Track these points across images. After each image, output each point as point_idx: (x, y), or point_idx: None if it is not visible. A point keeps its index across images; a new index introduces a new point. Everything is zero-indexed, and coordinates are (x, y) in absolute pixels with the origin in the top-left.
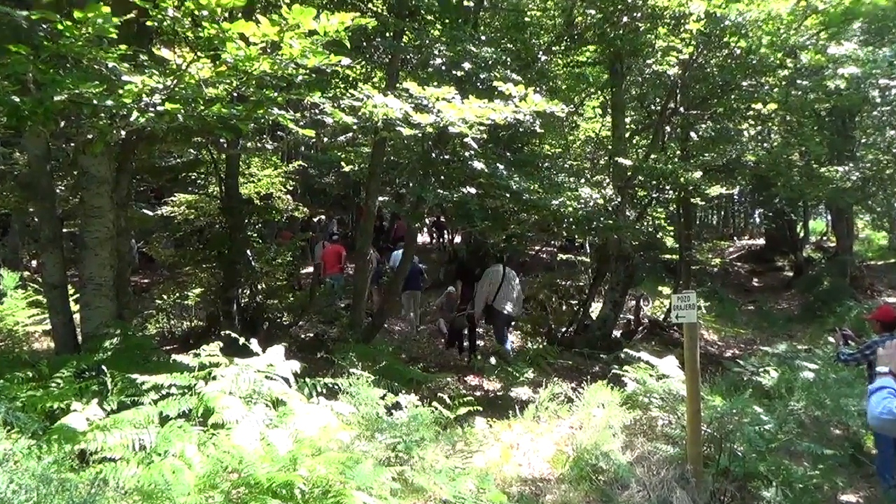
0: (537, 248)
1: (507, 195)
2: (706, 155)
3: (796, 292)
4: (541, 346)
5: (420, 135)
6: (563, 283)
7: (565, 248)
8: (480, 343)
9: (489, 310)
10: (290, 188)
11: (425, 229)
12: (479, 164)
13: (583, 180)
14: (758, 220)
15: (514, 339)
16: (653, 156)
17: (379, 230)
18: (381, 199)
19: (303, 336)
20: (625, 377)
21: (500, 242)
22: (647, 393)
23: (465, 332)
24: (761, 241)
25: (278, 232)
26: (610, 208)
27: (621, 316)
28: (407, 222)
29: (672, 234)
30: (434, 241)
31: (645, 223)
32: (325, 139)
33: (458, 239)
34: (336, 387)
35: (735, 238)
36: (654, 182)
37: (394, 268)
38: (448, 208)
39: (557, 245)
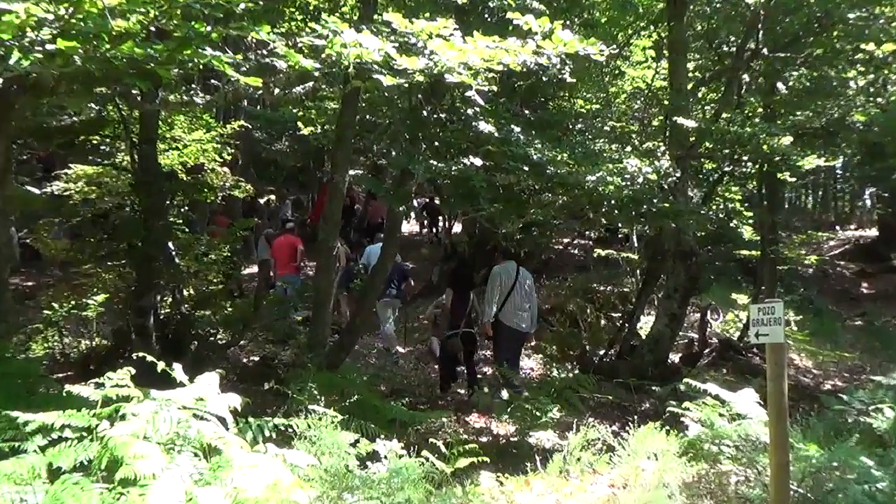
0: (566, 241)
1: (525, 168)
2: (798, 114)
3: None
4: (571, 374)
5: (406, 85)
6: (602, 288)
7: (605, 242)
8: (486, 370)
9: (496, 324)
10: (229, 158)
11: (413, 215)
12: (486, 126)
13: (629, 148)
14: (868, 203)
15: (531, 366)
16: (725, 115)
17: (349, 215)
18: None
19: (245, 360)
20: (685, 417)
21: (515, 233)
22: (715, 439)
23: (462, 357)
24: (873, 232)
25: (212, 217)
26: (666, 186)
27: (681, 334)
28: (388, 205)
29: (751, 222)
30: (425, 230)
31: (714, 207)
32: (277, 91)
33: (457, 228)
34: (290, 429)
35: (838, 227)
36: (727, 151)
37: (369, 266)
38: (444, 186)
39: (594, 237)
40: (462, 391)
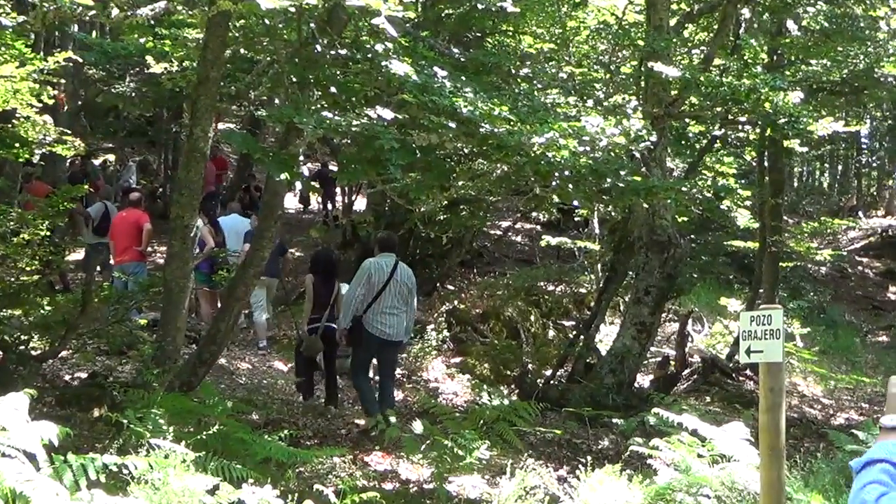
0: (505, 224)
1: (452, 125)
2: (813, 63)
3: None
4: (507, 401)
5: (294, 10)
6: (551, 288)
7: (556, 227)
8: (398, 393)
9: (355, 328)
10: (51, 102)
11: (299, 186)
12: (401, 68)
13: (591, 103)
14: None
15: (454, 389)
16: (717, 62)
17: (215, 184)
18: (219, 127)
19: (68, 377)
20: (654, 459)
21: (437, 212)
22: (692, 488)
23: (322, 361)
24: None
25: (26, 184)
26: (638, 154)
27: (652, 350)
28: (267, 172)
29: (748, 204)
30: (316, 206)
31: (700, 183)
32: (117, 12)
33: (360, 204)
34: (125, 471)
35: (861, 214)
36: (719, 109)
37: (238, 252)
38: (343, 148)
39: (541, 220)
40: (361, 421)
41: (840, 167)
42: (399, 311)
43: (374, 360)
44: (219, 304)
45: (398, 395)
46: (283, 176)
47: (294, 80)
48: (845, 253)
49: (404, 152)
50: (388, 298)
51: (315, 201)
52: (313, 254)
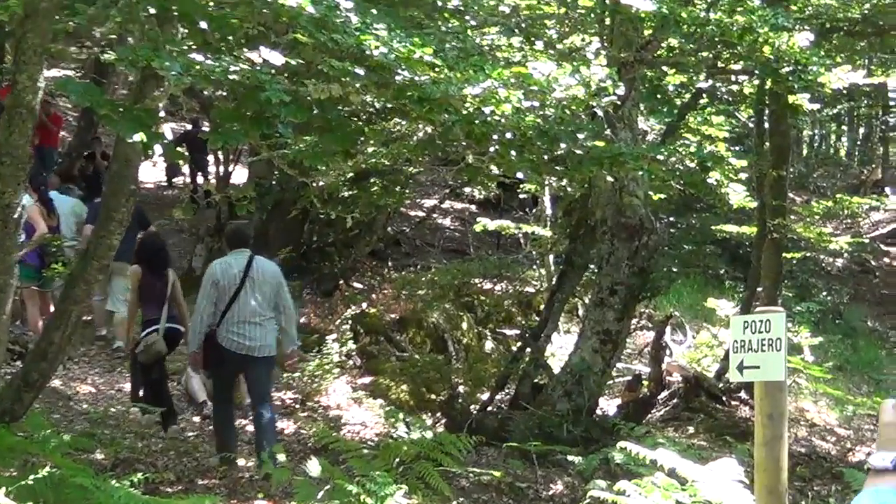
0: (430, 204)
1: (359, 72)
2: None
3: None
4: (432, 433)
5: None
6: (490, 286)
7: (495, 207)
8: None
9: (211, 344)
10: None
11: (158, 151)
12: None
13: (540, 44)
14: None
15: (362, 419)
16: None
17: (42, 149)
18: (51, 74)
19: None
20: None
21: (340, 188)
22: None
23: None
24: None
25: None
26: (601, 111)
27: (620, 366)
28: (116, 133)
29: (744, 177)
30: (182, 179)
31: (682, 149)
32: None
33: (239, 176)
34: None
35: (887, 190)
36: (705, 54)
37: (78, 240)
38: (217, 102)
39: (476, 198)
40: (241, 461)
41: (861, 130)
42: (263, 317)
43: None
44: (51, 309)
45: (288, 425)
46: (138, 138)
47: (152, 12)
48: (868, 240)
49: (297, 108)
50: (245, 304)
51: (184, 173)
52: (138, 240)
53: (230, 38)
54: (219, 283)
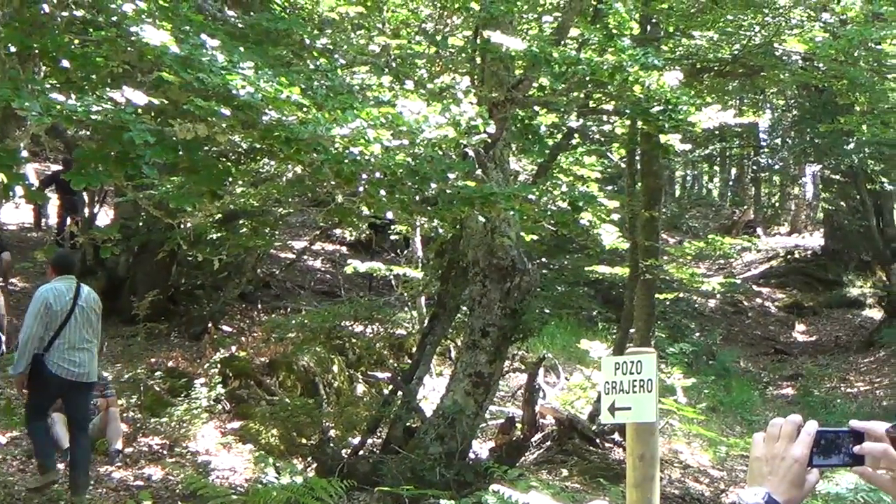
0: (300, 246)
1: (226, 112)
2: (696, 35)
3: (889, 355)
4: (302, 478)
5: None
6: (360, 328)
7: (366, 248)
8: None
9: (37, 368)
10: None
11: (16, 194)
12: (157, 36)
13: (410, 84)
14: (810, 191)
15: (231, 464)
16: (574, 32)
17: None
18: None
19: None
20: None
21: (208, 230)
22: None
23: None
24: (816, 240)
25: None
26: (471, 150)
27: (493, 409)
28: None
29: (616, 217)
30: (47, 221)
31: (553, 189)
32: None
33: (105, 217)
34: None
35: (760, 231)
36: (576, 94)
37: None
38: (80, 142)
39: (347, 240)
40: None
41: (734, 171)
42: (89, 344)
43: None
44: None
45: (156, 471)
46: None
47: (12, 49)
48: (739, 281)
49: (162, 148)
50: (74, 331)
51: (55, 215)
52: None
53: (93, 76)
54: (51, 307)
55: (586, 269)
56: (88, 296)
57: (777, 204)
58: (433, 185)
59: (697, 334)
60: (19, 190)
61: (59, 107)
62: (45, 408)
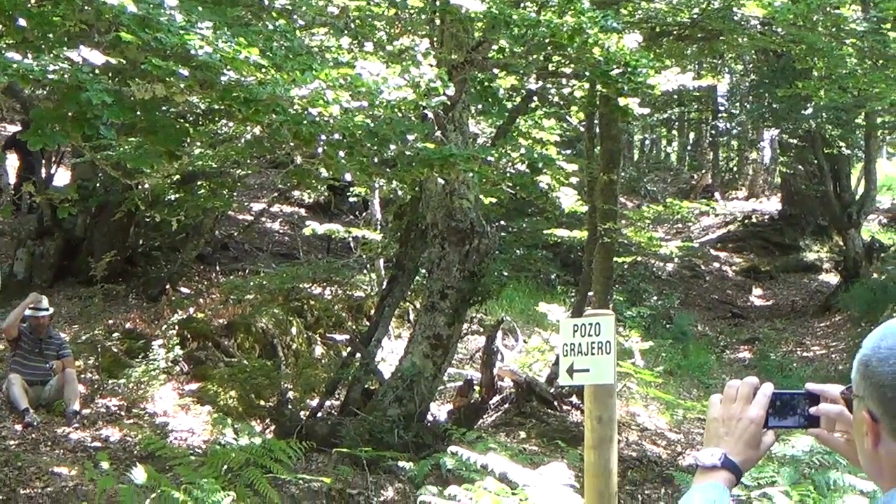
0: (258, 207)
1: (183, 73)
2: None
3: (845, 319)
4: (260, 439)
5: None
6: (319, 290)
7: (324, 211)
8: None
9: None
10: None
11: None
12: None
13: (369, 45)
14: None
15: (189, 425)
16: None
17: None
18: None
19: None
20: None
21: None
22: None
23: None
24: (773, 205)
25: None
26: (430, 112)
27: (452, 371)
28: None
29: (575, 181)
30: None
31: (513, 153)
32: None
33: (62, 178)
34: None
35: (717, 196)
36: (535, 56)
37: None
38: (37, 102)
39: (305, 202)
40: (63, 469)
41: (692, 135)
42: None
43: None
44: None
45: (113, 433)
46: None
47: None
48: (697, 245)
49: (119, 108)
50: None
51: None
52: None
53: (50, 35)
54: None
55: (545, 232)
56: None
57: (735, 168)
58: (392, 147)
59: (655, 298)
60: None
61: (14, 66)
62: None
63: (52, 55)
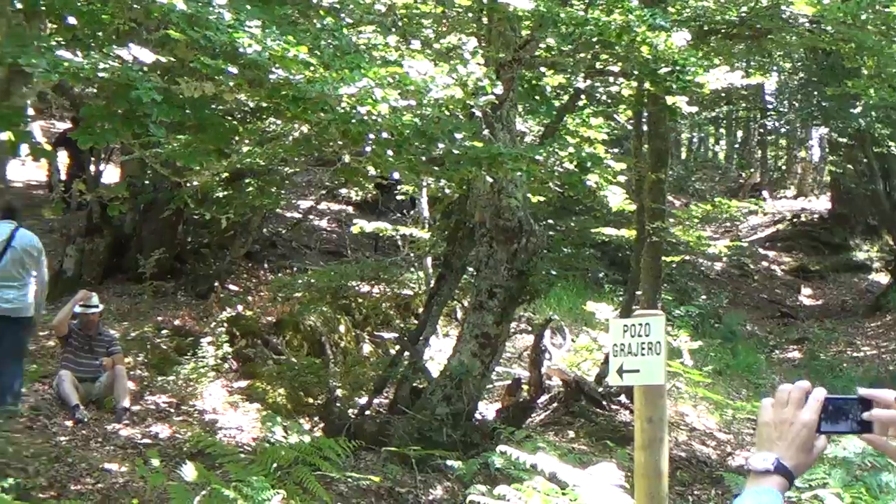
0: (305, 205)
1: (232, 70)
2: None
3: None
4: (309, 437)
5: None
6: (367, 289)
7: (372, 209)
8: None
9: None
10: None
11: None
12: None
13: (417, 43)
14: (816, 154)
15: (239, 422)
16: None
17: None
18: None
19: None
20: None
21: (214, 188)
22: None
23: None
24: (822, 203)
25: None
26: (479, 112)
27: (500, 370)
28: None
29: (623, 179)
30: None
31: (560, 151)
32: None
33: (112, 175)
34: None
35: (766, 195)
36: (583, 54)
37: None
38: (87, 100)
39: (353, 200)
40: (113, 465)
41: (740, 133)
42: (18, 282)
43: None
44: None
45: (163, 429)
46: (4, 136)
47: (18, 6)
48: (746, 244)
49: (169, 106)
50: (4, 269)
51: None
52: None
53: (100, 33)
54: None
55: (593, 230)
56: (22, 239)
57: (783, 167)
58: (440, 146)
59: (703, 297)
60: (25, 147)
61: (65, 64)
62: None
63: (101, 53)
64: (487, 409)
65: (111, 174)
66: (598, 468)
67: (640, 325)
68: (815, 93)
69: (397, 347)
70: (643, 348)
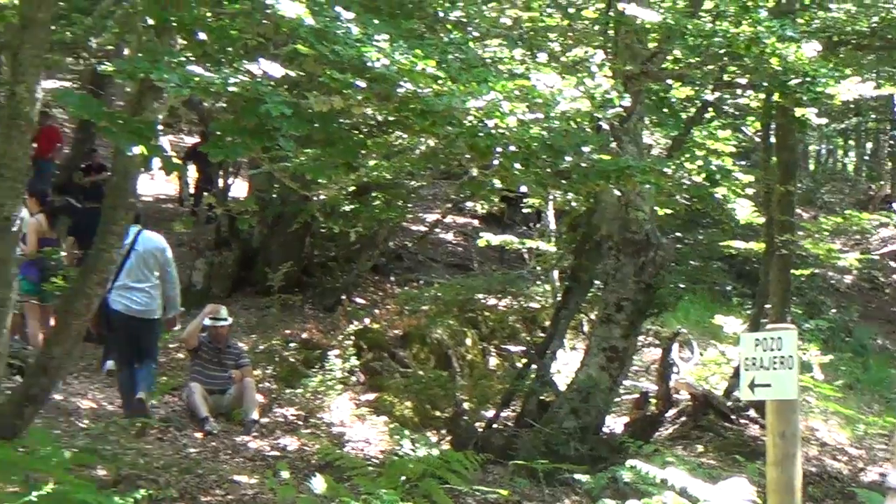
0: (432, 218)
1: (360, 84)
2: (831, 7)
3: None
4: (437, 450)
5: None
6: (493, 302)
7: (499, 222)
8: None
9: (105, 311)
10: None
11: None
12: (292, 8)
13: (543, 56)
14: None
15: (367, 435)
16: (709, 3)
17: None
18: (49, 85)
19: None
20: None
21: (342, 202)
22: None
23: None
24: None
25: None
26: (606, 124)
27: (627, 384)
28: (115, 146)
29: (751, 192)
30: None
31: (687, 163)
32: None
33: (240, 189)
34: None
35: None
36: (711, 67)
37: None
38: (216, 114)
39: (480, 213)
40: (242, 477)
41: (869, 145)
42: (145, 284)
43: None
44: (52, 323)
45: (291, 442)
46: (137, 150)
47: (150, 22)
48: (877, 257)
49: (297, 120)
50: (130, 271)
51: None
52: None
53: (229, 49)
54: None
55: (720, 244)
56: (147, 242)
57: None
58: (568, 158)
59: (833, 311)
60: (157, 162)
61: (196, 79)
62: (121, 350)
63: (231, 68)
64: (615, 423)
65: (239, 188)
66: (730, 483)
67: (772, 338)
68: None
69: (524, 360)
70: (775, 362)
